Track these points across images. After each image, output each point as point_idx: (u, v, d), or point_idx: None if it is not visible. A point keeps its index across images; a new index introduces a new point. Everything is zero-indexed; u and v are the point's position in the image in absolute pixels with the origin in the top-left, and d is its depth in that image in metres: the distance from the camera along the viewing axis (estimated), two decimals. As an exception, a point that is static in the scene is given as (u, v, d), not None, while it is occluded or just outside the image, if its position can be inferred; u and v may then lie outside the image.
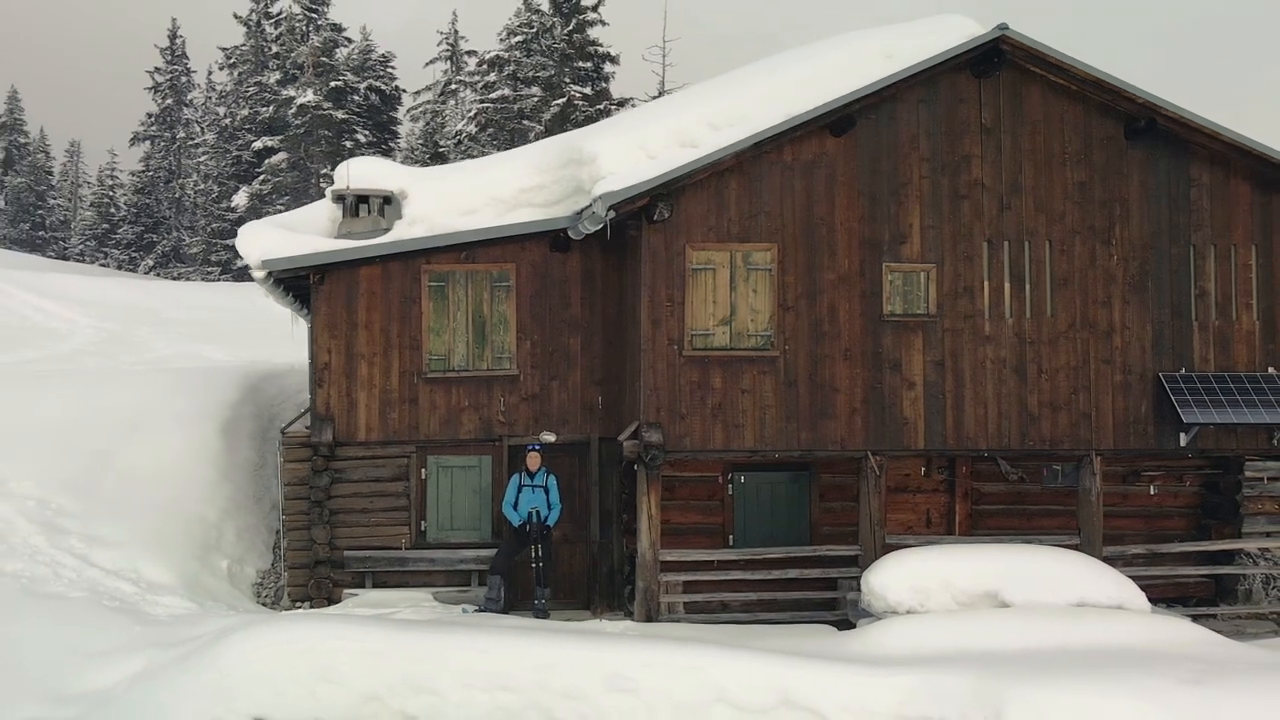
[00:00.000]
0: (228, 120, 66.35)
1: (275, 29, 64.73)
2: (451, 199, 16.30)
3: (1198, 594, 17.23)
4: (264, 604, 16.09)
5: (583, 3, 51.46)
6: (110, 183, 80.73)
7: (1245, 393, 15.12)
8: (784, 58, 16.81)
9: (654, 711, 11.30)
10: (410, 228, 16.11)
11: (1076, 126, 15.29)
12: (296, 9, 63.14)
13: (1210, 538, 17.06)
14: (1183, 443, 15.25)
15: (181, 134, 75.59)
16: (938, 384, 15.05)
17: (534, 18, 52.83)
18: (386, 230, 16.26)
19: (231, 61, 67.97)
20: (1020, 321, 15.16)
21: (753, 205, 14.93)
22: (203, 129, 73.36)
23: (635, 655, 11.61)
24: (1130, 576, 15.55)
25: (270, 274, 15.66)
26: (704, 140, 14.94)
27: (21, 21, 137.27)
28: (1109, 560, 15.55)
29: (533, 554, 14.99)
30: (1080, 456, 15.35)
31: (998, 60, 15.00)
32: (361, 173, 16.65)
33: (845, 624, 14.53)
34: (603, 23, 51.47)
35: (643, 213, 14.64)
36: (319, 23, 62.97)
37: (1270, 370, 15.39)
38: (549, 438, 16.05)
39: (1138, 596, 13.19)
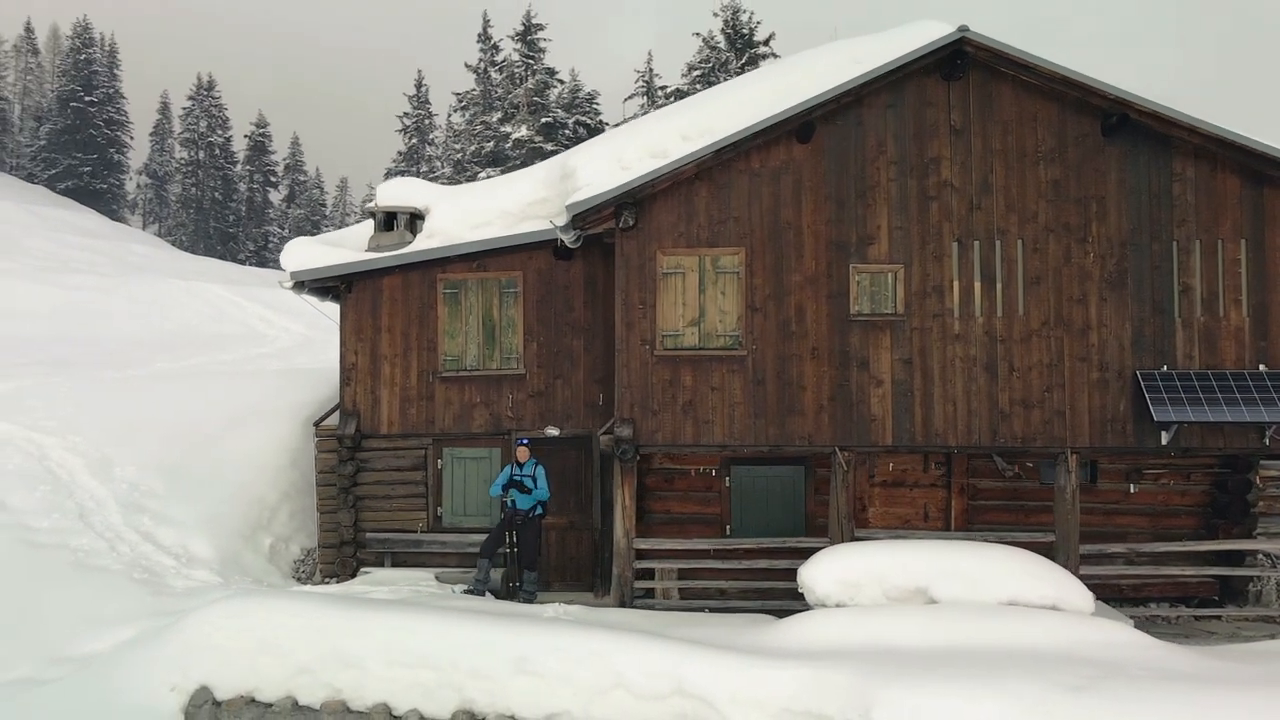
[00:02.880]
0: (460, 155, 68.38)
1: (499, 75, 66.33)
2: (466, 214, 15.89)
3: (1199, 594, 15.13)
4: (298, 579, 16.05)
5: (754, 38, 51.16)
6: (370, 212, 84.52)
7: (1229, 390, 13.13)
8: (760, 71, 15.65)
9: (556, 694, 10.59)
10: (429, 240, 15.80)
11: (1050, 125, 13.63)
12: (516, 56, 64.59)
13: (1219, 537, 14.96)
14: (1164, 441, 13.34)
15: (425, 168, 78.45)
16: (906, 382, 13.66)
17: (711, 54, 52.53)
18: (410, 243, 15.96)
19: (463, 104, 70.08)
20: (991, 320, 13.61)
21: (721, 211, 13.90)
22: (442, 163, 75.88)
23: (543, 640, 10.89)
24: (1128, 574, 14.03)
25: (303, 283, 15.60)
26: (675, 151, 14.06)
27: (302, 80, 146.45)
28: (1087, 558, 13.92)
29: (507, 540, 14.36)
30: (1055, 454, 13.64)
31: (961, 62, 13.53)
32: (391, 192, 16.42)
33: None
34: (774, 55, 50.90)
35: (615, 221, 13.83)
36: (535, 67, 64.11)
37: (1261, 367, 13.28)
38: (553, 432, 15.44)
39: (1077, 597, 11.55)
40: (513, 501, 14.18)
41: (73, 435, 18.37)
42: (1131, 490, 15.12)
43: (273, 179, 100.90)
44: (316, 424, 16.27)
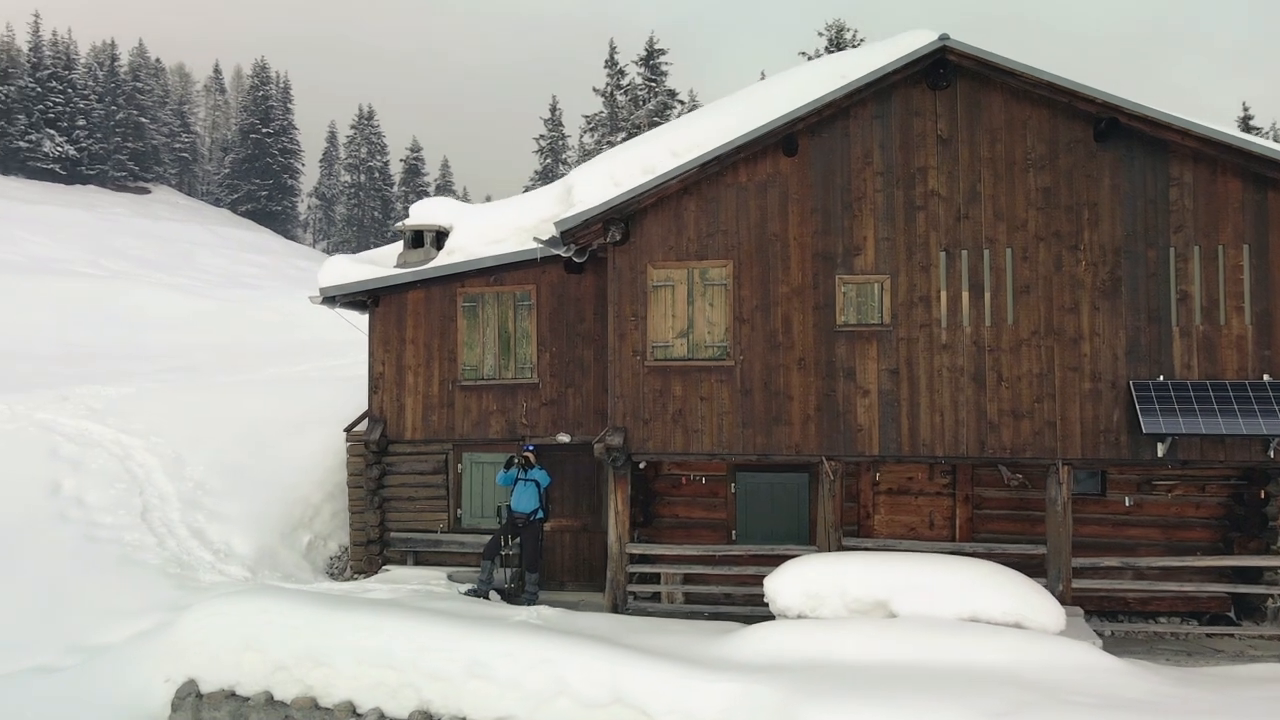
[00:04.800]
0: (589, 173, 68.22)
1: (624, 97, 66.58)
2: (485, 231, 15.60)
3: (1211, 609, 13.69)
4: (331, 575, 15.99)
5: (862, 56, 49.87)
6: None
7: (1228, 401, 11.80)
8: (756, 87, 14.85)
9: (505, 698, 10.22)
10: (449, 256, 15.56)
11: (1041, 132, 12.50)
12: (639, 80, 64.77)
13: (1234, 551, 13.52)
14: (1159, 453, 12.07)
15: (559, 186, 78.71)
16: (892, 392, 12.72)
17: (818, 75, 51.42)
18: (434, 259, 15.72)
19: (592, 126, 70.50)
20: (979, 329, 12.56)
21: (710, 225, 13.22)
22: (574, 181, 75.92)
23: (497, 645, 10.49)
24: (1134, 589, 12.77)
25: (334, 298, 15.54)
26: (664, 167, 13.42)
27: (450, 107, 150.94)
28: (1082, 572, 12.74)
29: (504, 543, 13.95)
30: (1046, 465, 12.49)
31: (944, 71, 12.52)
32: (420, 211, 16.26)
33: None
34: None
35: (604, 235, 13.29)
36: (656, 89, 64.13)
37: (1265, 377, 11.89)
38: (564, 438, 15.00)
39: (1044, 614, 10.55)
40: (508, 507, 13.81)
41: (155, 436, 18.79)
42: (1128, 503, 13.84)
43: (425, 198, 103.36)
44: (348, 430, 16.19)
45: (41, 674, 11.55)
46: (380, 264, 16.27)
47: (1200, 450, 12.08)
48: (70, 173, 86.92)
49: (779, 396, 13.01)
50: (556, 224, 13.10)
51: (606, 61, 68.73)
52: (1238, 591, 13.08)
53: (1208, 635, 13.21)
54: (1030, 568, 12.91)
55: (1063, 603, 12.17)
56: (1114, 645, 12.72)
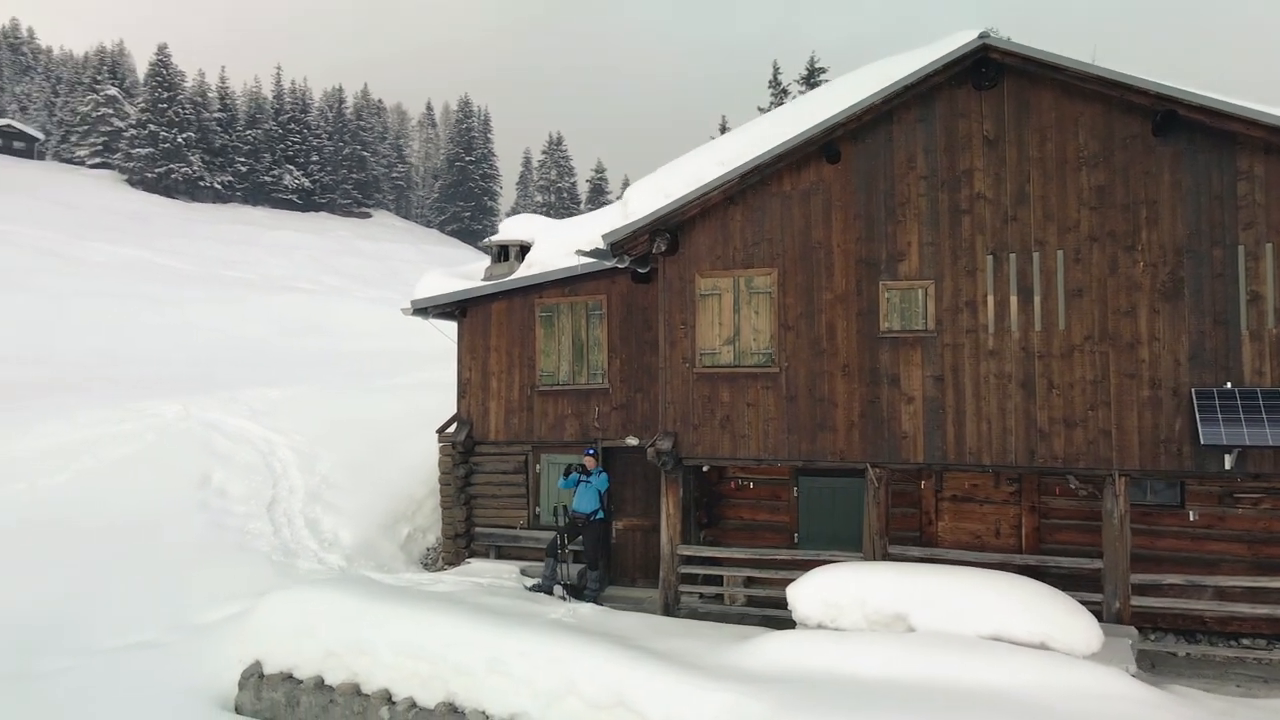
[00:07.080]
0: (747, 188, 67.02)
1: (783, 115, 65.18)
2: (561, 245, 15.20)
3: (1299, 633, 11.75)
4: (425, 565, 15.94)
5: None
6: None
7: (1302, 411, 10.02)
8: (804, 97, 13.79)
9: (519, 695, 9.81)
10: (528, 270, 15.29)
11: (1094, 128, 11.02)
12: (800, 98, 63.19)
13: (1330, 571, 11.58)
14: (1227, 465, 10.41)
15: (726, 199, 77.80)
16: (937, 399, 11.52)
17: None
18: (516, 273, 15.48)
19: (756, 143, 69.14)
20: (1028, 335, 11.20)
21: (755, 234, 12.37)
22: (742, 195, 74.91)
23: (514, 643, 10.07)
24: (1209, 609, 11.07)
25: (425, 309, 15.52)
26: (710, 177, 12.60)
27: (632, 130, 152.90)
28: (1141, 589, 11.21)
29: (561, 541, 13.48)
30: (1102, 476, 11.01)
31: (986, 70, 11.23)
32: (506, 227, 16.07)
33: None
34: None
35: (650, 246, 12.66)
36: (814, 106, 62.34)
37: (1349, 385, 10.07)
38: (632, 441, 14.44)
39: (1075, 635, 9.24)
40: (565, 507, 13.36)
41: (297, 434, 19.39)
42: (1192, 516, 12.04)
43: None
44: (439, 431, 16.14)
45: (143, 649, 11.90)
46: (471, 278, 16.17)
47: (1274, 462, 10.34)
48: (305, 202, 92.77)
49: (823, 403, 12.02)
50: (604, 236, 12.56)
51: (770, 81, 67.16)
52: (1329, 615, 11.15)
53: (1295, 661, 11.35)
54: (1097, 582, 11.50)
55: (1120, 621, 10.77)
56: (1187, 668, 11.15)
